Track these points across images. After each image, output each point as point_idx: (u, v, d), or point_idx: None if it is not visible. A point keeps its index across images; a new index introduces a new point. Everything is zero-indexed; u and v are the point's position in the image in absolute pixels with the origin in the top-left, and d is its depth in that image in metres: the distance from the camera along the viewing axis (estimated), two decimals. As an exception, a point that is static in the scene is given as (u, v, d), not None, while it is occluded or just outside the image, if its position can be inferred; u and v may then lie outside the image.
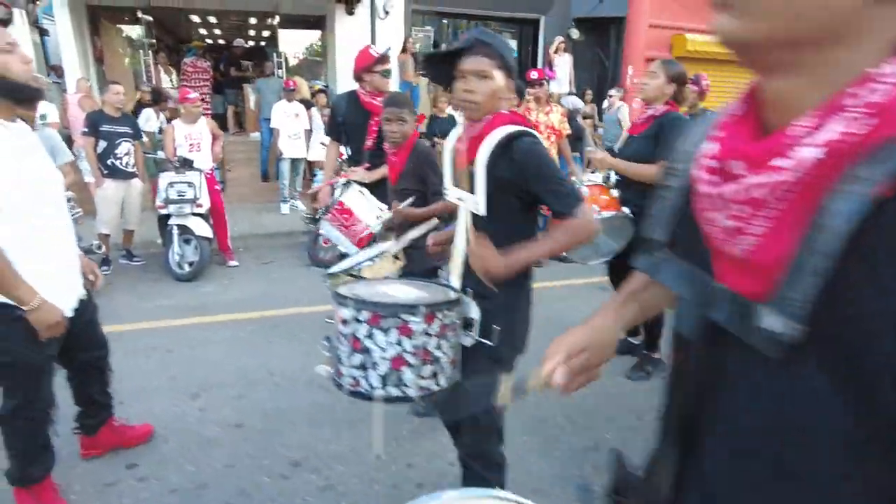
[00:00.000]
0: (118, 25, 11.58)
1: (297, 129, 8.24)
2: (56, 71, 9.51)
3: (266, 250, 6.68)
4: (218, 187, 5.92)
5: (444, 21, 11.21)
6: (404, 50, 9.88)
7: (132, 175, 5.77)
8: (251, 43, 14.50)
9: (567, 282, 5.41)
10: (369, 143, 3.87)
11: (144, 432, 2.85)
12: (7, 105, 2.00)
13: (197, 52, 10.76)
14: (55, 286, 2.12)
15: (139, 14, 9.46)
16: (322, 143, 6.37)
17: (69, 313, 2.21)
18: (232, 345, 4.00)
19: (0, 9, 2.24)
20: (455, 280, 1.88)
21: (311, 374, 3.57)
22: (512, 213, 1.79)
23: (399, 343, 1.58)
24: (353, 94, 3.88)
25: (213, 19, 13.94)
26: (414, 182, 2.86)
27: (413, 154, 2.88)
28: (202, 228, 5.41)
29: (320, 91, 8.69)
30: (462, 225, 1.85)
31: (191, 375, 3.53)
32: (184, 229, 5.41)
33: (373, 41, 9.37)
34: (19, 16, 8.01)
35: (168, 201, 5.32)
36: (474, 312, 1.79)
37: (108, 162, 5.58)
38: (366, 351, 1.60)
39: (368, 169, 3.83)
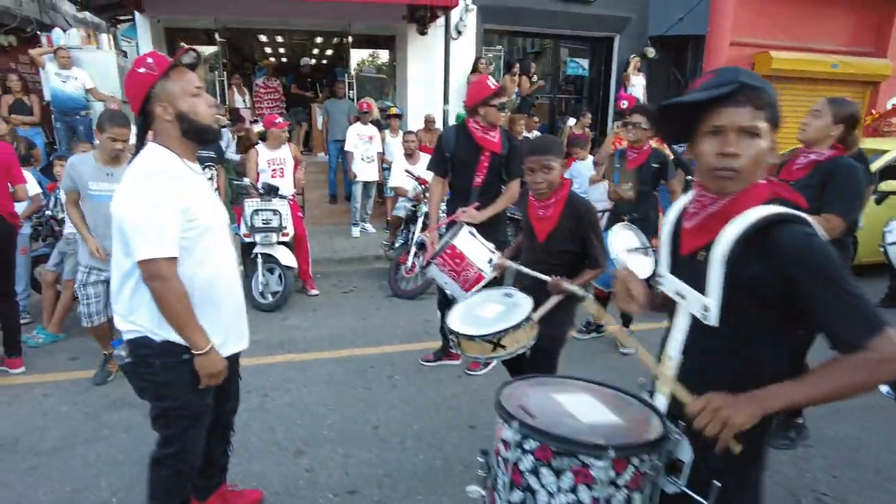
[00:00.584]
0: (193, 46, 11.81)
1: (370, 153, 8.10)
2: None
3: (344, 277, 6.51)
4: (300, 214, 5.78)
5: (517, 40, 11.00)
6: (475, 69, 9.69)
7: (215, 201, 5.69)
8: (312, 62, 14.65)
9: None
10: (479, 180, 3.61)
11: (254, 499, 2.62)
12: (193, 146, 1.97)
13: (267, 72, 10.78)
14: (226, 333, 2.05)
15: (215, 35, 9.56)
16: (407, 172, 6.13)
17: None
18: (328, 390, 3.78)
19: (190, 54, 2.16)
20: (662, 401, 1.43)
21: (417, 430, 3.31)
22: (760, 329, 1.28)
23: (573, 491, 1.22)
24: (463, 128, 3.63)
25: (280, 38, 14.13)
26: (569, 241, 2.54)
27: (569, 208, 2.54)
28: (287, 258, 5.26)
29: (394, 116, 8.52)
30: (679, 331, 1.39)
31: (291, 427, 3.31)
32: (268, 258, 5.27)
33: (446, 61, 9.22)
34: (105, 40, 8.19)
35: (253, 229, 5.19)
36: (686, 454, 1.30)
37: (194, 188, 5.52)
38: (529, 490, 1.27)
39: (478, 208, 3.56)
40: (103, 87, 8.03)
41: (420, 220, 5.76)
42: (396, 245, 6.30)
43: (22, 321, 4.90)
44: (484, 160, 3.56)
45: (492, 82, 3.45)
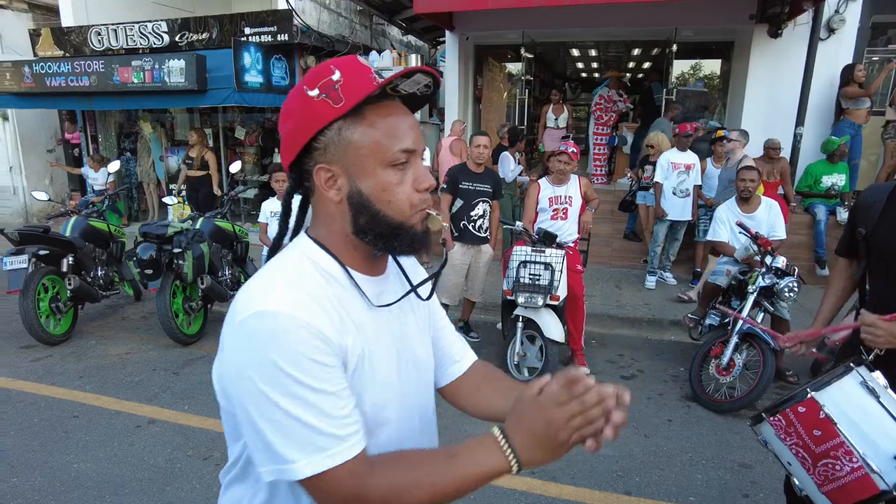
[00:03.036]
0: (500, 63, 11.55)
1: (685, 185, 6.37)
2: (440, 114, 9.69)
3: (627, 349, 5.02)
4: (579, 267, 4.52)
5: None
6: (846, 81, 7.05)
7: (484, 240, 4.84)
8: (627, 75, 13.21)
9: None
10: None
11: None
12: (372, 252, 0.99)
13: (609, 82, 9.55)
14: None
15: (522, 52, 8.93)
16: (741, 227, 4.26)
17: None
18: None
19: (417, 78, 1.00)
20: None
21: None
22: None
23: None
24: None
25: (592, 52, 13.08)
26: None
27: None
28: (554, 329, 4.03)
29: (721, 138, 6.59)
30: None
31: None
32: (530, 323, 4.14)
33: (807, 70, 6.90)
34: (413, 60, 8.21)
35: (517, 285, 4.11)
36: None
37: (461, 224, 4.76)
38: None
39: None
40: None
41: (752, 298, 3.94)
42: (707, 323, 4.52)
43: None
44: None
45: None
